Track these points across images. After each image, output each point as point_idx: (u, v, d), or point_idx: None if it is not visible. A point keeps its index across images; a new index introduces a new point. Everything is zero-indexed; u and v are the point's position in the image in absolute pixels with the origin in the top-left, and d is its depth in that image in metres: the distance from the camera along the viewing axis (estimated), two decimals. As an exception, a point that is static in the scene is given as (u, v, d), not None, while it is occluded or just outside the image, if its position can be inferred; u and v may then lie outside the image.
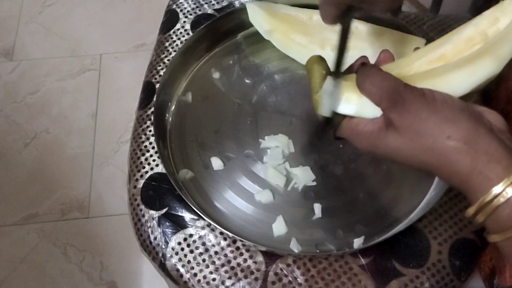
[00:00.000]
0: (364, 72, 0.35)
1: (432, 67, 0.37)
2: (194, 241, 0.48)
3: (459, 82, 0.34)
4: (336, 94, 0.37)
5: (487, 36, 0.36)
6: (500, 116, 0.33)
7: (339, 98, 0.37)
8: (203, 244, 0.48)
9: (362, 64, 0.36)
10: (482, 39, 0.36)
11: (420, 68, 0.37)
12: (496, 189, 0.29)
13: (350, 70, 0.39)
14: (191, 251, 0.48)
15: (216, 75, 0.59)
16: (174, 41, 0.63)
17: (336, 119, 0.38)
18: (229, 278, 0.46)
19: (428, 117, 0.32)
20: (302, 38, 0.58)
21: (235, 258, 0.47)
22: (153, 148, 0.54)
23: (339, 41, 0.41)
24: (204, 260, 0.47)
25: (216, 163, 0.52)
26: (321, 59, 0.39)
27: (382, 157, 0.35)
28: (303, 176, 0.50)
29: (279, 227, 0.48)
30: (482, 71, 0.34)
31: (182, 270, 0.47)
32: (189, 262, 0.47)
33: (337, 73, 0.40)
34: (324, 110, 0.38)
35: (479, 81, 0.34)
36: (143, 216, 0.50)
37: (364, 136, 0.36)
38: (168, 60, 0.61)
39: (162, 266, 0.48)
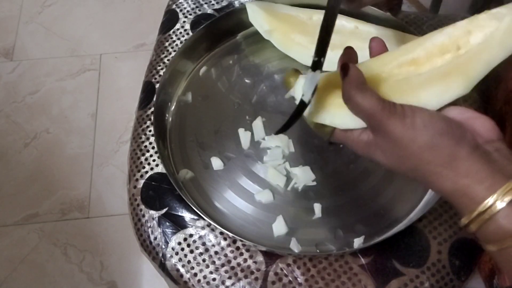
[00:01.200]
0: (345, 94, 0.34)
1: (403, 70, 0.37)
2: (194, 241, 0.48)
3: (429, 100, 0.34)
4: (313, 87, 0.36)
5: (459, 47, 0.36)
6: (490, 123, 0.33)
7: (312, 89, 0.36)
8: (203, 244, 0.48)
9: (343, 69, 0.35)
10: (454, 48, 0.36)
11: (392, 71, 0.37)
12: (480, 208, 0.30)
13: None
14: (191, 251, 0.48)
15: (216, 75, 0.59)
16: (174, 41, 0.63)
17: (326, 128, 0.38)
18: (229, 278, 0.46)
19: (408, 143, 0.32)
20: (302, 38, 0.58)
21: (235, 258, 0.47)
22: (153, 148, 0.54)
23: (323, 23, 0.36)
24: (204, 260, 0.47)
25: (216, 163, 0.52)
26: (296, 71, 0.40)
27: (378, 164, 0.36)
28: (303, 176, 0.50)
29: (279, 227, 0.48)
30: (452, 91, 0.34)
31: (182, 270, 0.47)
32: (189, 262, 0.47)
33: (318, 63, 0.36)
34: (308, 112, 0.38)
35: (447, 100, 0.34)
36: (143, 216, 0.50)
37: (359, 144, 0.36)
38: (168, 60, 0.61)
39: (162, 266, 0.48)
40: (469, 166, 0.31)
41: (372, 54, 0.39)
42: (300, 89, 0.37)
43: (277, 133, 0.40)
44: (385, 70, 0.37)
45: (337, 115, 0.37)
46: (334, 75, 0.38)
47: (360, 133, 0.36)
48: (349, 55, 0.38)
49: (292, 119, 0.38)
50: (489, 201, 0.30)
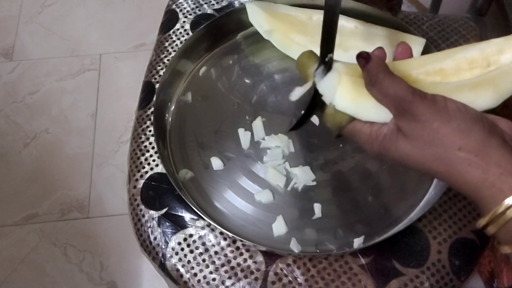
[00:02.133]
0: (371, 78, 0.33)
1: (429, 78, 0.36)
2: (194, 241, 0.48)
3: None
4: (330, 84, 0.36)
5: (489, 63, 0.36)
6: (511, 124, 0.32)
7: (334, 89, 0.36)
8: (203, 244, 0.48)
9: (363, 58, 0.34)
10: (484, 65, 0.36)
11: (418, 77, 0.37)
12: (508, 201, 0.29)
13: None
14: (191, 251, 0.48)
15: (216, 75, 0.59)
16: (174, 41, 0.63)
17: (343, 118, 0.37)
18: (229, 278, 0.46)
19: (439, 127, 0.31)
20: (302, 38, 0.58)
21: (235, 258, 0.47)
22: (153, 148, 0.54)
23: (324, 23, 0.36)
24: (204, 260, 0.47)
25: (216, 163, 0.52)
26: (313, 53, 0.39)
27: (393, 161, 0.35)
28: (303, 176, 0.50)
29: (279, 227, 0.48)
30: (481, 102, 0.34)
31: (182, 270, 0.47)
32: (189, 262, 0.47)
33: (325, 61, 0.37)
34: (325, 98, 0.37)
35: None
36: (143, 216, 0.50)
37: (376, 139, 0.35)
38: (168, 60, 0.61)
39: (162, 266, 0.48)
40: (502, 156, 0.30)
41: (397, 58, 0.38)
42: (321, 87, 0.37)
43: (291, 130, 0.39)
44: (412, 74, 0.37)
45: (362, 106, 0.35)
46: (356, 65, 0.37)
47: (380, 127, 0.35)
48: (379, 52, 0.37)
49: (307, 116, 0.37)
50: None
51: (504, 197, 0.29)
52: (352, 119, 0.36)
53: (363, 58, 0.33)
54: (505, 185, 0.29)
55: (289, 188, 0.50)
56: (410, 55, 0.38)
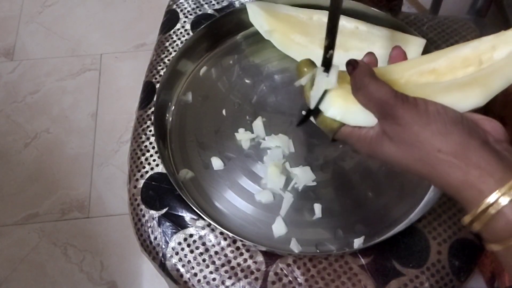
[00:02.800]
0: (356, 84, 0.35)
1: (423, 79, 0.37)
2: (194, 241, 0.48)
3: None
4: (322, 88, 0.38)
5: (481, 61, 0.36)
6: (498, 125, 0.33)
7: (328, 95, 0.38)
8: (203, 244, 0.48)
9: (351, 65, 0.35)
10: (477, 62, 0.36)
11: (410, 78, 0.37)
12: (488, 200, 0.29)
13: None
14: (191, 251, 0.48)
15: (216, 75, 0.59)
16: (174, 41, 0.63)
17: (334, 124, 0.38)
18: (229, 278, 0.46)
19: (419, 130, 0.32)
20: (302, 38, 0.58)
21: (235, 258, 0.47)
22: (153, 148, 0.54)
23: (329, 19, 0.38)
24: (204, 260, 0.47)
25: (216, 163, 0.52)
26: (311, 62, 0.40)
27: (381, 161, 0.36)
28: (303, 176, 0.50)
29: (279, 227, 0.48)
30: (469, 101, 0.34)
31: (182, 270, 0.47)
32: (189, 262, 0.47)
33: (328, 62, 0.39)
34: (313, 104, 0.39)
35: (464, 109, 0.34)
36: (143, 216, 0.50)
37: (364, 141, 0.36)
38: (168, 60, 0.61)
39: (162, 266, 0.48)
40: (481, 157, 0.30)
41: (391, 61, 0.39)
42: (319, 84, 0.38)
43: (298, 125, 0.41)
44: (404, 76, 0.37)
45: (349, 112, 0.37)
46: (345, 73, 0.39)
47: (367, 130, 0.36)
48: (370, 57, 0.39)
49: (310, 114, 0.39)
50: (497, 194, 0.29)
51: (484, 198, 0.30)
52: (343, 124, 0.38)
53: (351, 65, 0.35)
54: (484, 185, 0.30)
55: (289, 188, 0.50)
56: (404, 58, 0.39)
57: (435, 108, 0.32)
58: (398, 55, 0.39)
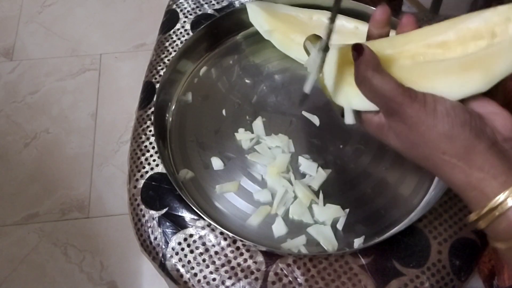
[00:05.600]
0: (359, 75, 0.33)
1: (430, 51, 0.35)
2: (194, 241, 0.48)
3: (444, 92, 0.32)
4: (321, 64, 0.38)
5: (494, 34, 0.33)
6: (509, 121, 0.32)
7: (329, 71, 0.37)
8: (203, 244, 0.48)
9: (356, 51, 0.33)
10: (489, 36, 0.33)
11: (417, 50, 0.35)
12: (492, 203, 0.29)
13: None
14: (191, 251, 0.48)
15: (216, 75, 0.59)
16: (174, 41, 0.63)
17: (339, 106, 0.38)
18: (229, 278, 0.46)
19: (425, 131, 0.31)
20: (302, 38, 0.57)
21: (235, 258, 0.47)
22: (153, 148, 0.54)
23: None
24: (204, 260, 0.47)
25: (216, 163, 0.52)
26: (317, 36, 0.40)
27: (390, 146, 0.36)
28: (307, 169, 0.51)
29: (279, 228, 0.48)
30: (470, 86, 0.32)
31: (182, 270, 0.47)
32: (189, 262, 0.47)
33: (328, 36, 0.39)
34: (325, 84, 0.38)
35: (463, 95, 0.32)
36: (143, 216, 0.50)
37: (372, 124, 0.36)
38: (168, 60, 0.61)
39: (162, 266, 0.48)
40: (485, 160, 0.30)
41: (400, 29, 0.37)
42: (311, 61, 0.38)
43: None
44: (410, 48, 0.35)
45: (354, 96, 0.35)
46: (349, 49, 0.37)
47: (373, 115, 0.35)
48: (382, 9, 0.37)
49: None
50: (501, 197, 0.29)
51: (487, 201, 0.30)
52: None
53: (355, 51, 0.33)
54: (487, 188, 0.30)
55: (289, 188, 0.50)
56: (414, 27, 0.36)
57: (444, 107, 0.31)
58: (408, 22, 0.36)
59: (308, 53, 0.40)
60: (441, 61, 0.34)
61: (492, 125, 0.32)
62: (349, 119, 0.37)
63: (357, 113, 0.37)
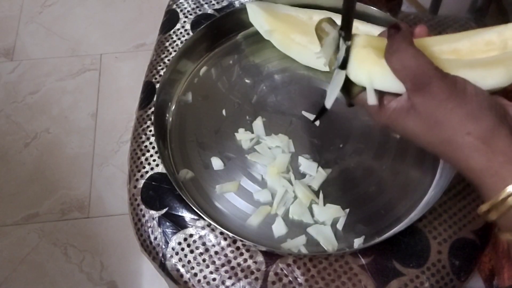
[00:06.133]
0: (393, 46, 0.33)
1: (444, 57, 0.36)
2: (194, 241, 0.48)
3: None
4: (346, 55, 0.36)
5: (507, 46, 0.35)
6: None
7: (350, 61, 0.36)
8: (203, 244, 0.48)
9: (394, 28, 0.33)
10: (502, 47, 0.35)
11: (432, 54, 0.36)
12: (510, 189, 0.29)
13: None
14: (191, 251, 0.48)
15: (216, 75, 0.59)
16: (174, 41, 0.63)
17: (355, 88, 0.37)
18: (229, 278, 0.46)
19: (453, 108, 0.31)
20: (302, 38, 0.58)
21: (235, 258, 0.47)
22: (153, 148, 0.54)
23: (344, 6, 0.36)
24: (204, 260, 0.47)
25: (216, 163, 0.52)
26: (332, 21, 0.38)
27: (398, 133, 0.35)
28: (307, 169, 0.50)
29: (279, 228, 0.48)
30: (492, 79, 0.33)
31: (182, 270, 0.47)
32: (189, 262, 0.47)
33: (347, 33, 0.36)
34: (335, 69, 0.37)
35: (486, 87, 0.33)
36: (143, 216, 0.50)
37: (385, 112, 0.35)
38: (168, 60, 0.61)
39: (162, 266, 0.48)
40: (508, 145, 0.30)
41: (414, 37, 0.37)
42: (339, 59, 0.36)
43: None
44: (426, 51, 0.36)
45: (377, 74, 0.35)
46: (374, 38, 0.37)
47: (390, 100, 0.35)
48: (421, 28, 0.37)
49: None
50: None
51: (506, 185, 0.29)
52: (363, 89, 0.36)
53: (394, 28, 0.33)
54: (508, 173, 0.29)
55: (289, 188, 0.50)
56: (426, 36, 0.37)
57: (473, 89, 0.31)
58: (421, 32, 0.37)
59: (321, 38, 0.38)
60: (460, 59, 0.35)
61: (511, 116, 0.32)
62: (371, 99, 0.36)
63: (368, 104, 0.36)
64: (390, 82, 0.34)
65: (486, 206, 0.31)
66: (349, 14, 0.36)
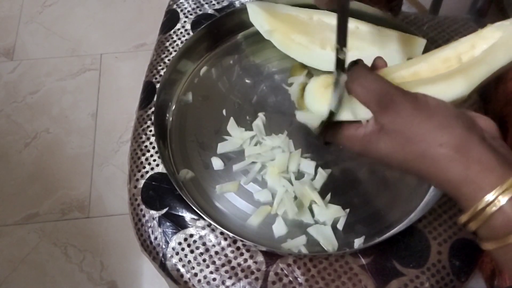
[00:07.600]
0: (354, 74, 0.34)
1: (405, 81, 0.37)
2: (195, 241, 0.48)
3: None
4: (340, 94, 0.37)
5: (461, 60, 0.37)
6: (492, 122, 0.33)
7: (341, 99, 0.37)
8: (204, 244, 0.48)
9: (354, 63, 0.35)
10: (458, 61, 0.37)
11: (393, 80, 0.37)
12: (488, 197, 0.29)
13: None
14: (192, 251, 0.48)
15: (216, 75, 0.59)
16: (175, 41, 0.63)
17: (323, 123, 0.38)
18: (230, 278, 0.46)
19: (421, 122, 0.31)
20: (302, 38, 0.58)
21: (235, 258, 0.47)
22: (153, 148, 0.54)
23: (339, 23, 0.37)
24: (204, 260, 0.47)
25: (217, 163, 0.52)
26: (302, 65, 0.42)
27: (375, 160, 0.35)
28: (306, 170, 0.50)
29: (279, 228, 0.48)
30: (453, 90, 0.34)
31: (182, 270, 0.47)
32: (189, 262, 0.47)
33: (341, 65, 0.37)
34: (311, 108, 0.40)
35: (449, 99, 0.34)
36: (144, 216, 0.50)
37: (356, 140, 0.35)
38: (168, 60, 0.61)
39: (162, 266, 0.48)
40: (481, 153, 0.30)
41: (375, 69, 0.39)
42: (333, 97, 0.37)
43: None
44: (387, 78, 0.37)
45: (345, 107, 0.36)
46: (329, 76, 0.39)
47: (357, 128, 0.35)
48: (379, 61, 0.39)
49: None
50: (499, 191, 0.28)
51: (484, 194, 0.29)
52: (326, 120, 0.37)
53: (353, 63, 0.35)
54: (485, 181, 0.29)
55: (289, 188, 0.50)
56: (385, 66, 0.39)
57: (435, 101, 0.32)
58: (380, 63, 0.38)
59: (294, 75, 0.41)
60: (421, 79, 0.37)
61: (478, 125, 0.32)
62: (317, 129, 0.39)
63: (338, 135, 0.38)
64: (355, 110, 0.35)
65: (466, 217, 0.30)
66: (343, 25, 0.37)
